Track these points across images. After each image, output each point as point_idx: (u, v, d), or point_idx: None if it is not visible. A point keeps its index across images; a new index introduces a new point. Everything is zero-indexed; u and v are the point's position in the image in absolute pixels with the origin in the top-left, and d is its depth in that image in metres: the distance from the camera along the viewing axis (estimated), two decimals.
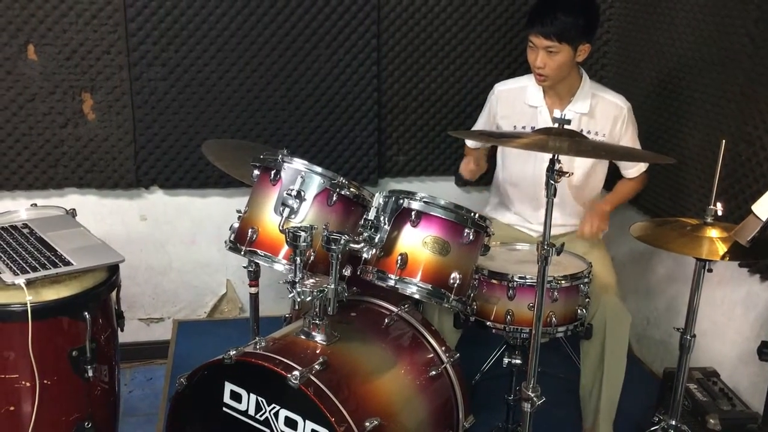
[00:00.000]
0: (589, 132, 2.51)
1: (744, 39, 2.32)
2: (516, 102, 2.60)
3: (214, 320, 3.22)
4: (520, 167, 2.59)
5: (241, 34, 2.80)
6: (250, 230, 2.09)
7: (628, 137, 2.56)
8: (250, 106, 2.89)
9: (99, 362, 2.00)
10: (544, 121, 2.52)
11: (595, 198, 2.68)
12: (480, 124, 2.76)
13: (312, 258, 2.02)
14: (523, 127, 2.57)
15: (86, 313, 1.93)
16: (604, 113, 2.53)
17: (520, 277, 2.13)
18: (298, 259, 1.89)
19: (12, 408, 1.92)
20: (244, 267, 2.37)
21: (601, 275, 2.39)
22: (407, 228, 2.00)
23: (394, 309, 2.18)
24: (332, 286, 1.90)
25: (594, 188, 2.66)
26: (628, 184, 2.68)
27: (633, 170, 2.64)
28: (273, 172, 2.10)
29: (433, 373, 2.05)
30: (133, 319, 3.07)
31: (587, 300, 2.22)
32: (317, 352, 1.89)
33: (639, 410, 2.57)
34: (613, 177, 2.70)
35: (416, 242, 1.99)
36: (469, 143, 2.82)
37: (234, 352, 1.82)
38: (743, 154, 2.32)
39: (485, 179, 2.85)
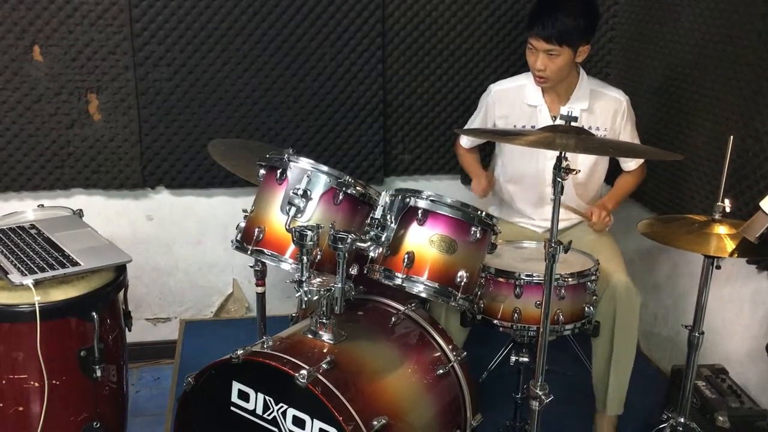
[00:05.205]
0: (590, 128, 2.51)
1: (751, 35, 2.31)
2: (515, 101, 2.59)
3: (220, 320, 3.23)
4: (522, 166, 2.59)
5: (246, 33, 2.80)
6: (256, 230, 2.09)
7: (627, 131, 2.57)
8: (255, 106, 2.89)
9: (107, 362, 2.01)
10: (544, 119, 2.52)
11: (597, 193, 2.68)
12: (475, 126, 2.75)
13: (319, 257, 2.02)
14: (523, 126, 2.57)
15: (94, 314, 1.94)
16: (603, 108, 2.53)
17: (527, 275, 2.13)
18: (305, 258, 1.89)
19: (21, 408, 1.93)
20: (251, 266, 2.37)
21: (610, 261, 2.39)
22: (414, 226, 2.00)
23: (401, 308, 2.18)
24: (339, 285, 1.91)
25: (596, 183, 2.66)
26: (626, 177, 2.68)
27: (632, 163, 2.65)
28: (279, 172, 2.10)
29: (441, 371, 2.05)
30: (140, 319, 3.07)
31: (594, 297, 2.22)
32: (324, 351, 1.90)
33: (647, 408, 2.57)
34: (615, 170, 2.69)
35: (423, 241, 1.99)
36: (464, 143, 2.81)
37: (241, 351, 1.82)
38: (751, 150, 2.31)
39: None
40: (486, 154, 2.90)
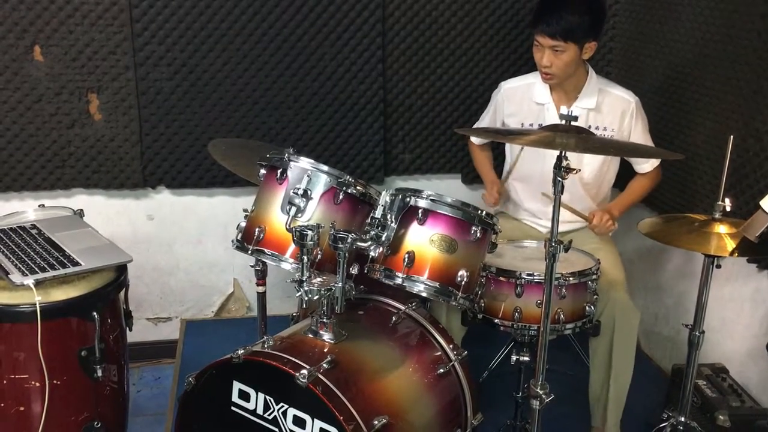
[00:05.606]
0: (597, 128, 2.51)
1: (751, 34, 2.31)
2: (523, 100, 2.59)
3: (221, 319, 3.23)
4: (530, 164, 2.59)
5: (246, 33, 2.80)
6: (257, 229, 2.09)
7: (638, 132, 2.55)
8: (256, 105, 2.89)
9: (108, 362, 2.01)
10: (552, 117, 2.52)
11: (608, 194, 2.67)
12: (484, 123, 2.76)
13: (319, 257, 2.02)
14: (531, 125, 2.57)
15: (95, 313, 1.94)
16: (611, 108, 2.52)
17: (528, 275, 2.13)
18: (306, 257, 1.90)
19: (22, 408, 1.93)
20: (251, 266, 2.37)
21: (610, 272, 2.38)
22: (414, 226, 2.00)
23: (402, 307, 2.18)
24: (340, 285, 1.91)
25: (606, 185, 2.65)
26: (640, 181, 2.64)
27: (647, 165, 2.61)
28: (279, 171, 2.10)
29: (441, 371, 2.05)
30: (141, 318, 3.08)
31: (595, 297, 2.22)
32: (325, 350, 1.90)
33: (647, 407, 2.57)
34: (627, 173, 2.68)
35: (423, 240, 1.99)
36: (475, 140, 2.82)
37: (242, 351, 1.82)
38: (751, 149, 2.31)
39: (500, 173, 2.84)
40: (499, 152, 2.89)
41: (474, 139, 2.83)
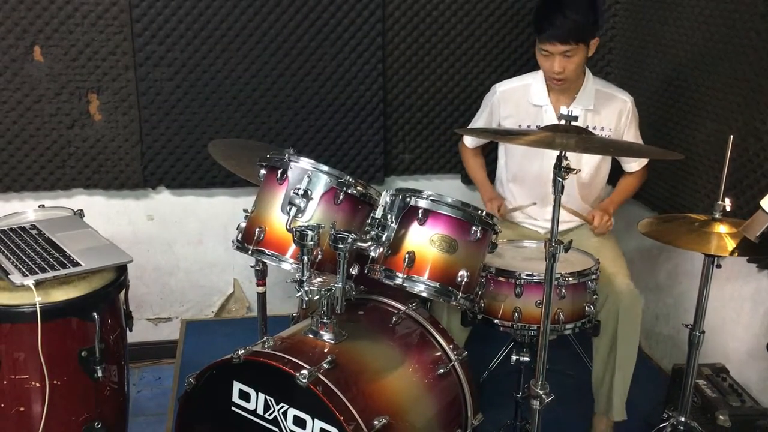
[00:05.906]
0: (594, 128, 2.51)
1: (751, 33, 2.31)
2: (520, 101, 2.59)
3: (221, 320, 3.23)
4: (526, 165, 2.59)
5: (247, 33, 2.80)
6: (257, 230, 2.09)
7: (631, 131, 2.57)
8: (256, 106, 2.89)
9: (108, 362, 2.01)
10: (550, 119, 2.52)
11: (600, 193, 2.68)
12: (478, 125, 2.75)
13: (319, 257, 2.02)
14: (528, 126, 2.57)
15: (95, 314, 1.94)
16: (608, 108, 2.53)
17: (528, 275, 2.13)
18: (306, 258, 1.90)
19: (22, 408, 1.93)
20: (252, 266, 2.37)
21: (613, 262, 2.39)
22: (414, 226, 2.00)
23: (402, 307, 2.18)
24: (340, 285, 1.91)
25: (600, 183, 2.66)
26: (629, 179, 2.68)
27: (635, 164, 2.64)
28: (280, 172, 2.10)
29: (441, 371, 2.05)
30: (141, 319, 3.08)
31: (595, 297, 2.22)
32: (325, 350, 1.90)
33: (648, 407, 2.57)
34: (615, 171, 2.69)
35: (423, 240, 1.99)
36: (468, 144, 2.81)
37: (242, 351, 1.82)
38: (751, 149, 2.31)
39: (492, 176, 2.84)
40: (491, 160, 2.89)
41: (468, 143, 2.82)
